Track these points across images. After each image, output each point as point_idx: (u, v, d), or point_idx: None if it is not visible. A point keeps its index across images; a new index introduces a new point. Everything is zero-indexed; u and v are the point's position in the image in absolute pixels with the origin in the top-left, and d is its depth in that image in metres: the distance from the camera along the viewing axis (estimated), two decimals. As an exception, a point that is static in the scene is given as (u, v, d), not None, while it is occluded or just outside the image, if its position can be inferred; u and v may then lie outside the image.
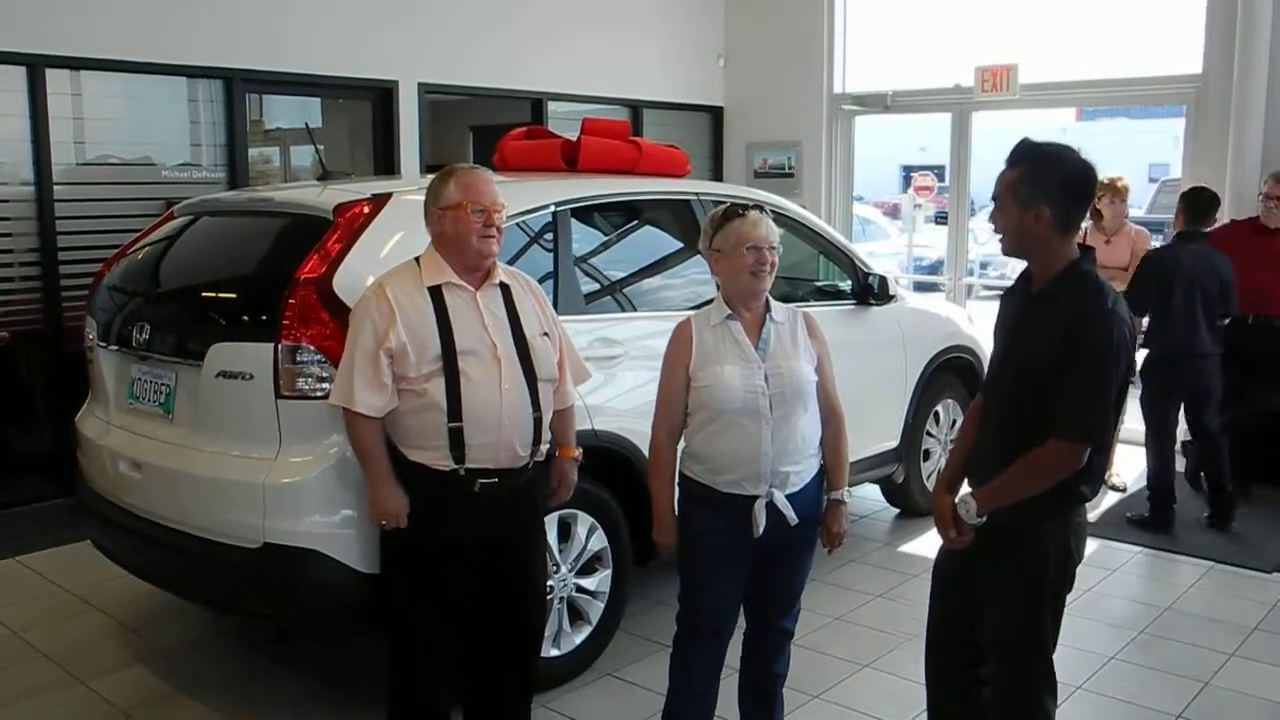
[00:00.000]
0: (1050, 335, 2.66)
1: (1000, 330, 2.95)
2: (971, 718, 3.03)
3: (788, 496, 3.11)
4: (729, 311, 3.14)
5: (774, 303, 3.21)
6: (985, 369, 3.17)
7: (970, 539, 2.83)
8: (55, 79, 5.81)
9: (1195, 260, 5.73)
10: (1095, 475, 2.78)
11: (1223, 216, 6.91)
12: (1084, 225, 6.84)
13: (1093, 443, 2.67)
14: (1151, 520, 5.87)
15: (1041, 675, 2.84)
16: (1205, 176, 7.22)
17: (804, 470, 3.17)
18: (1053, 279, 2.73)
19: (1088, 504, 2.88)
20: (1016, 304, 2.86)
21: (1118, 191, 6.55)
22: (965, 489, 2.89)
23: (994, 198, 2.78)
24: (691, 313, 3.27)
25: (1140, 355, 5.87)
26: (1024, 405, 2.72)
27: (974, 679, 2.98)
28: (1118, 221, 6.57)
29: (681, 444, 3.22)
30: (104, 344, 4.15)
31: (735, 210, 3.16)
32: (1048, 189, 2.67)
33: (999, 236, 2.81)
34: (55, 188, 5.85)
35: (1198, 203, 5.88)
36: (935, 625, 3.07)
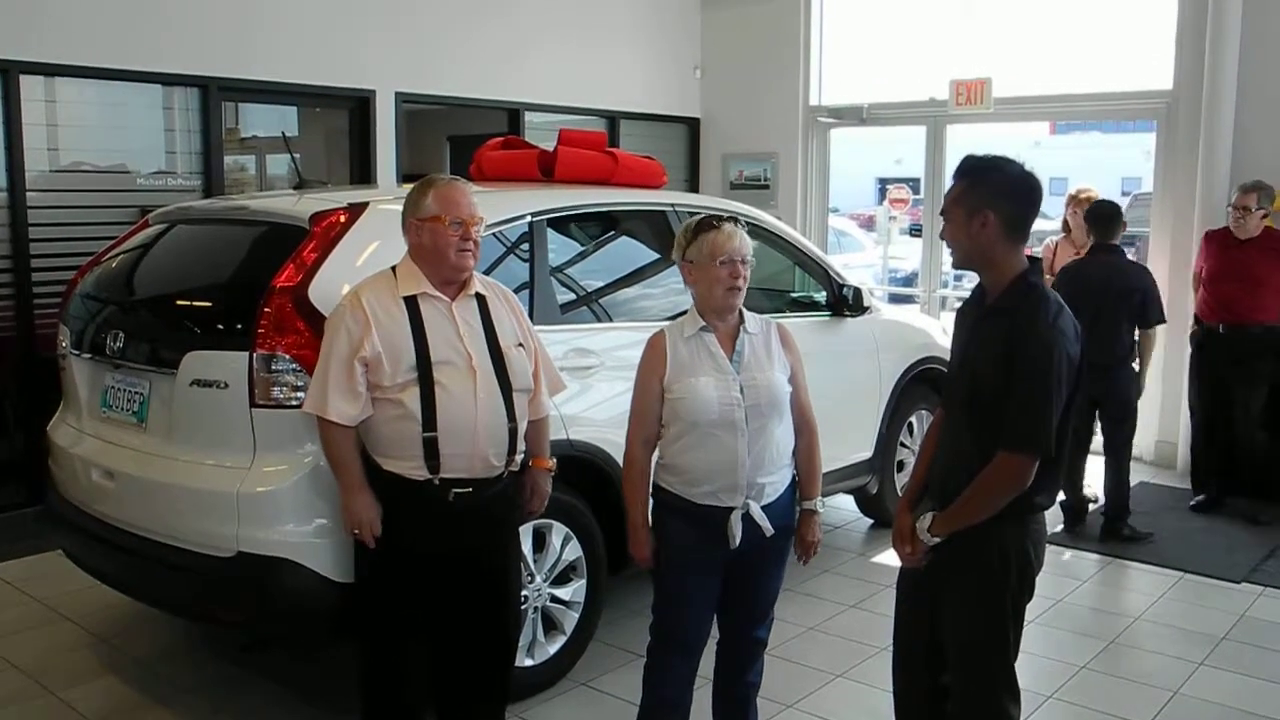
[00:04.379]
0: (998, 349, 2.70)
1: (956, 344, 2.99)
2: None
3: (762, 507, 3.12)
4: (703, 323, 3.15)
5: (747, 314, 3.22)
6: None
7: (923, 557, 2.86)
8: (29, 85, 5.78)
9: (1103, 272, 5.82)
10: (1050, 485, 2.81)
11: (1195, 228, 7.05)
12: (1054, 239, 6.97)
13: (1037, 453, 2.68)
14: (1064, 523, 6.11)
15: (1003, 683, 2.86)
16: (1175, 189, 7.34)
17: (779, 481, 3.18)
18: (1003, 292, 2.78)
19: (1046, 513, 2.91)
20: (972, 319, 2.90)
21: (1082, 204, 6.62)
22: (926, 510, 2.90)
23: (942, 213, 2.84)
24: (666, 324, 3.28)
25: None
26: (979, 420, 2.75)
27: (940, 686, 3.01)
28: (1085, 233, 6.63)
29: (656, 455, 3.23)
30: (77, 352, 4.13)
31: (709, 222, 3.16)
32: (992, 195, 2.74)
33: (949, 250, 2.87)
34: (29, 194, 5.81)
35: (1100, 217, 6.01)
36: (900, 633, 3.09)
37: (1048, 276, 6.66)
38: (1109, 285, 5.78)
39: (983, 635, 2.83)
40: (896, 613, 3.10)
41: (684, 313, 3.27)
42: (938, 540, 2.80)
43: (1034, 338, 2.67)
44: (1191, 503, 6.50)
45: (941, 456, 2.93)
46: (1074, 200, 6.77)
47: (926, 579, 2.90)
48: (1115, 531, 5.94)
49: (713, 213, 3.31)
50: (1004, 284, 2.78)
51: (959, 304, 3.12)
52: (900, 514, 2.97)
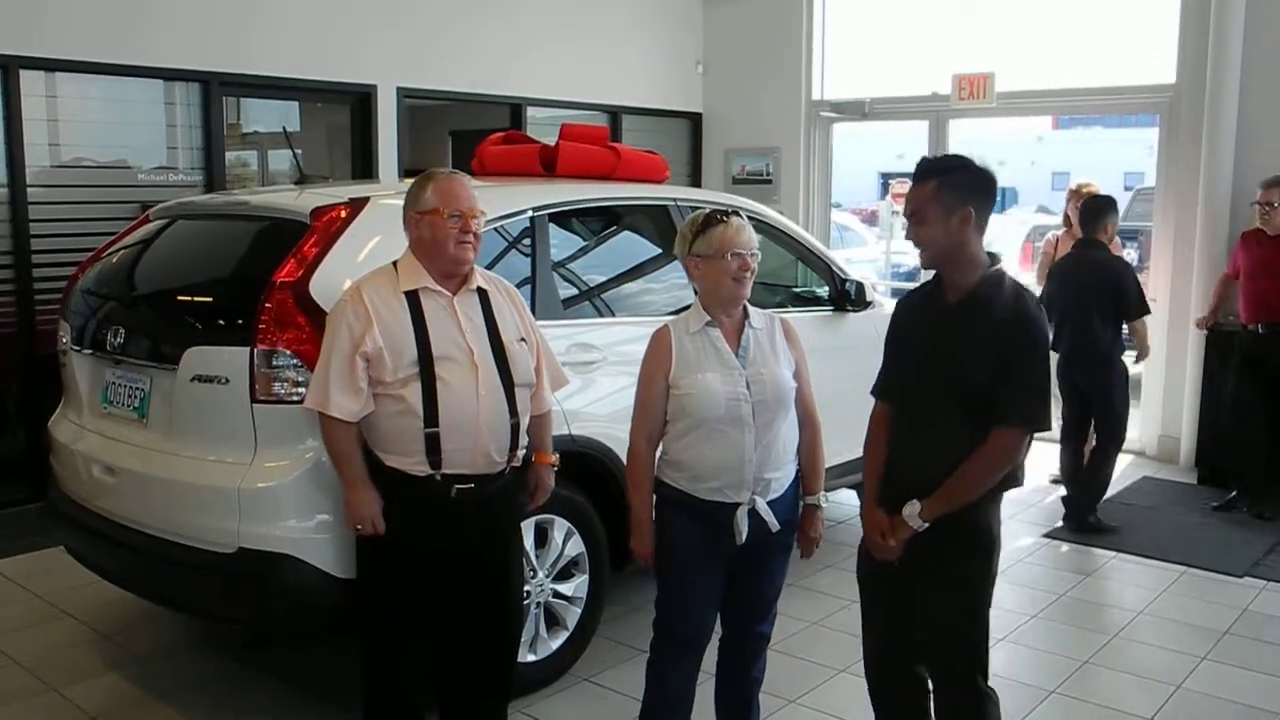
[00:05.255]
0: (986, 341, 2.76)
1: (909, 342, 2.99)
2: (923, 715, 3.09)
3: (768, 503, 3.11)
4: (708, 318, 3.14)
5: (752, 309, 3.21)
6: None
7: (901, 549, 2.88)
8: (30, 80, 5.78)
9: (1088, 267, 5.85)
10: (1023, 459, 2.92)
11: (1198, 223, 7.04)
12: (1056, 233, 6.95)
13: (1041, 428, 2.80)
14: (1070, 521, 6.08)
15: (984, 653, 2.94)
16: (1178, 184, 7.33)
17: (784, 476, 3.18)
18: (974, 285, 2.83)
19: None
20: (930, 316, 2.93)
21: (1084, 198, 6.60)
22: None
23: (910, 215, 2.85)
24: (669, 319, 3.27)
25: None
26: (968, 413, 2.78)
27: (918, 680, 3.05)
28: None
29: (659, 451, 3.21)
30: (78, 348, 4.12)
31: (717, 216, 3.14)
32: (966, 191, 2.81)
33: (919, 251, 2.88)
34: (29, 190, 5.82)
35: (1086, 211, 6.04)
36: (878, 633, 3.11)
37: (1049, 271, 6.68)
38: (1086, 281, 5.82)
39: (971, 613, 2.90)
40: (869, 617, 3.12)
41: (687, 308, 3.26)
42: (925, 526, 2.81)
43: (1026, 321, 2.77)
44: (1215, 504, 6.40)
45: (916, 455, 2.91)
46: (1075, 194, 6.76)
47: (900, 571, 2.92)
48: (1080, 517, 5.97)
49: (716, 207, 3.30)
50: (975, 276, 2.83)
51: (902, 299, 3.17)
52: (870, 511, 2.98)
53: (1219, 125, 7.02)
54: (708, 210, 3.22)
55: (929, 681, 3.02)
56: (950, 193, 2.79)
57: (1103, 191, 6.52)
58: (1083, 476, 6.08)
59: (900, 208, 11.48)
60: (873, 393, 3.15)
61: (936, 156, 2.90)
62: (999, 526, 2.93)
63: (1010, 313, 2.77)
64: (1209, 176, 7.08)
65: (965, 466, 2.77)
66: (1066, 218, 6.87)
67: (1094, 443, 6.13)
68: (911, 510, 2.82)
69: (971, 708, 2.92)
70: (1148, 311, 6.02)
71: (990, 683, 3.03)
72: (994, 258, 2.87)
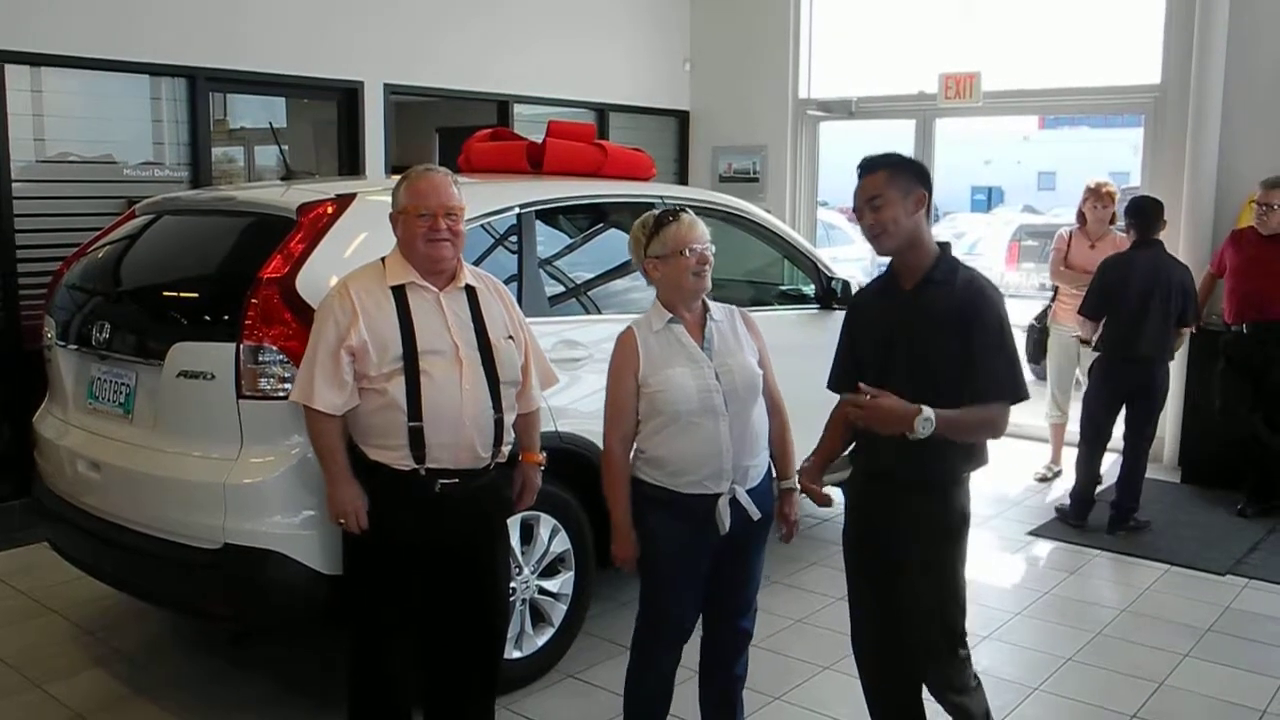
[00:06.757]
0: (948, 322, 2.84)
1: (869, 334, 3.05)
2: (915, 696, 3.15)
3: (747, 491, 3.14)
4: (670, 315, 3.17)
5: (711, 303, 3.24)
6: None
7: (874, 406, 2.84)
8: (15, 75, 5.74)
9: (1148, 267, 5.82)
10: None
11: (1181, 222, 7.07)
12: (1067, 230, 6.94)
13: (1020, 399, 2.88)
14: (1072, 515, 6.09)
15: (961, 631, 3.02)
16: (1163, 184, 7.35)
17: (760, 464, 3.21)
18: (929, 269, 2.92)
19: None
20: (888, 306, 3.01)
21: (1100, 197, 6.63)
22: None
23: (868, 201, 2.90)
24: (633, 318, 3.28)
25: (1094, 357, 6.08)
26: (938, 397, 2.81)
27: (905, 669, 3.09)
28: (1101, 227, 6.66)
29: (634, 451, 3.22)
30: (63, 343, 4.11)
31: (667, 216, 3.19)
32: (916, 176, 2.92)
33: (877, 237, 2.92)
34: (14, 185, 5.78)
35: (1142, 212, 5.97)
36: (869, 619, 3.15)
37: (1062, 269, 6.69)
38: (1155, 280, 5.76)
39: (953, 591, 2.99)
40: (860, 600, 3.18)
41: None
42: (924, 434, 2.73)
43: (991, 300, 2.87)
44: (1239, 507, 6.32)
45: (894, 440, 2.90)
46: (1093, 193, 6.70)
47: (880, 559, 3.01)
48: (1123, 521, 5.94)
49: (664, 207, 3.32)
50: (928, 260, 2.92)
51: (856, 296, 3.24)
52: (808, 483, 3.10)
53: (1203, 125, 7.05)
54: (656, 212, 3.25)
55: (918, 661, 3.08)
56: (904, 178, 2.90)
57: (1114, 189, 6.58)
58: (1127, 479, 5.99)
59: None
60: (830, 387, 3.19)
61: (875, 154, 2.97)
62: (969, 502, 3.05)
63: (967, 292, 2.87)
64: (1193, 176, 7.11)
65: (972, 410, 2.79)
66: (1081, 215, 6.81)
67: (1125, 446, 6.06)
68: (925, 414, 2.72)
69: (957, 673, 3.03)
70: (1200, 318, 6.03)
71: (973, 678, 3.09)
72: (944, 245, 2.96)
